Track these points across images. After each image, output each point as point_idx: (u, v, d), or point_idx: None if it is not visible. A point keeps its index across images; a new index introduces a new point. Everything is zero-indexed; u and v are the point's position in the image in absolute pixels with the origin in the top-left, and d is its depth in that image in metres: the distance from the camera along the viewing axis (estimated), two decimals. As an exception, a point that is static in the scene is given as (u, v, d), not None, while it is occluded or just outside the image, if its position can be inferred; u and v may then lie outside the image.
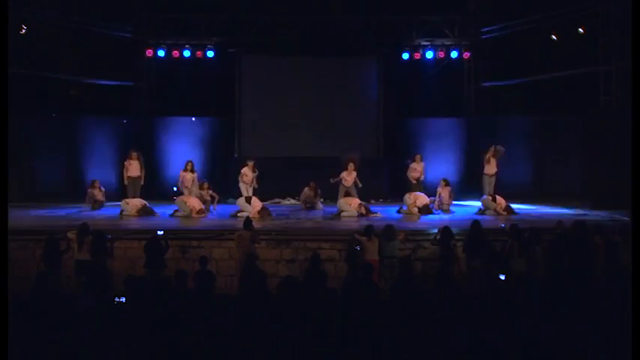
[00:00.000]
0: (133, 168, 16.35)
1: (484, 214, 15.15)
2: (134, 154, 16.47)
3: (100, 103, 19.26)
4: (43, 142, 17.91)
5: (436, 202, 15.97)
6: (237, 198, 15.99)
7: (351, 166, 16.41)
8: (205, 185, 16.04)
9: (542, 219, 14.21)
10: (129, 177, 16.31)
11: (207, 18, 19.35)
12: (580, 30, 17.47)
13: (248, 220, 11.46)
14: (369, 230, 10.89)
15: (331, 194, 16.89)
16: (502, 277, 8.04)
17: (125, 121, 19.47)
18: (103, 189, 16.33)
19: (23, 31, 17.09)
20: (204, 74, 19.39)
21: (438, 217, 14.96)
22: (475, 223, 11.15)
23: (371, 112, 19.83)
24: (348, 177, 16.28)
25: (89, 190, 16.19)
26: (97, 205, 15.99)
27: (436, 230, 11.58)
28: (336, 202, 15.90)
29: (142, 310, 6.57)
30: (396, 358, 5.65)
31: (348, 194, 16.05)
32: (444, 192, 16.13)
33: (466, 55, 19.76)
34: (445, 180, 16.33)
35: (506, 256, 10.38)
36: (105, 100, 19.34)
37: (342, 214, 15.03)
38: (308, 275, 9.12)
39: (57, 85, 18.71)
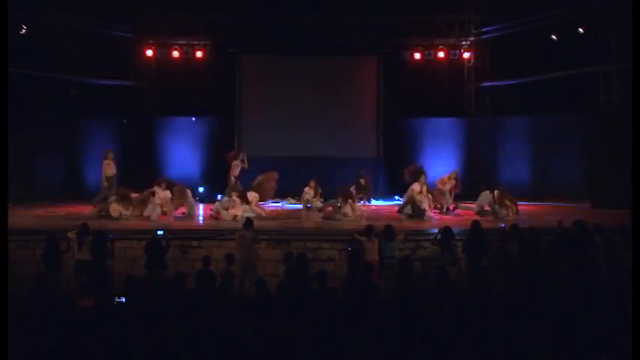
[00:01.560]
0: (110, 168, 16.01)
1: (485, 214, 14.97)
2: (110, 154, 16.07)
3: (100, 103, 19.25)
4: (43, 142, 17.90)
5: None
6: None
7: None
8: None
9: (543, 219, 14.20)
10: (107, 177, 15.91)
11: (207, 18, 19.35)
12: (580, 30, 17.46)
13: (249, 221, 11.44)
14: (369, 230, 10.89)
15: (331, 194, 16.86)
16: None
17: (125, 121, 19.48)
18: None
19: (23, 31, 17.08)
20: (204, 74, 19.39)
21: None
22: (475, 223, 11.15)
23: (371, 112, 19.83)
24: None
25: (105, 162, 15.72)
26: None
27: (436, 230, 11.58)
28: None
29: (142, 310, 6.57)
30: (395, 358, 5.65)
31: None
32: (449, 184, 15.85)
33: (466, 55, 19.77)
34: (455, 173, 16.19)
35: (506, 256, 10.39)
36: (105, 100, 19.34)
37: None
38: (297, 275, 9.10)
39: (57, 85, 18.69)
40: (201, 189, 18.13)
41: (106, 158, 15.91)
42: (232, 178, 16.18)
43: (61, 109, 18.71)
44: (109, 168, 15.83)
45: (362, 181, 16.24)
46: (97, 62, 18.86)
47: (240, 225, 11.64)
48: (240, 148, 16.84)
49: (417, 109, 19.66)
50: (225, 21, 19.37)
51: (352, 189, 15.41)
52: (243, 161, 16.40)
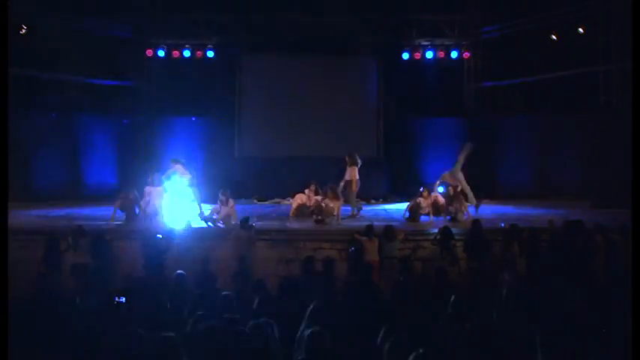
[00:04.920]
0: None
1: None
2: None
3: (100, 103, 19.26)
4: (43, 141, 17.89)
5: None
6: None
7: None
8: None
9: (543, 219, 14.17)
10: None
11: (207, 18, 19.36)
12: (580, 30, 17.47)
13: (245, 220, 11.44)
14: (369, 230, 10.89)
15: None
16: None
17: (125, 121, 19.47)
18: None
19: (23, 31, 17.09)
20: (204, 74, 19.39)
21: None
22: (475, 223, 11.16)
23: (371, 112, 19.82)
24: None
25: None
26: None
27: (436, 230, 11.59)
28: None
29: (142, 310, 6.56)
30: (395, 358, 5.64)
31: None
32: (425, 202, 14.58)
33: (466, 55, 19.78)
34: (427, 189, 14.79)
35: (505, 256, 10.40)
36: (105, 100, 19.34)
37: None
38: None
39: (57, 85, 18.70)
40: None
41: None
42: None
43: (61, 109, 18.72)
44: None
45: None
46: (97, 62, 18.85)
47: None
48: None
49: (417, 109, 19.65)
50: (225, 21, 19.37)
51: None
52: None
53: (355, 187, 15.08)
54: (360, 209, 15.43)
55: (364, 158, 19.37)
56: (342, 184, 14.89)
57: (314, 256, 10.01)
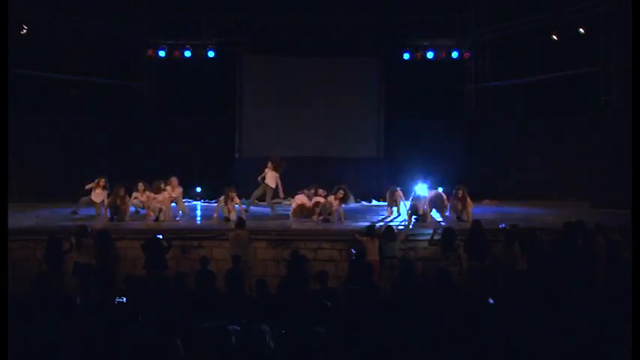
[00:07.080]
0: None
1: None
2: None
3: (100, 103, 19.25)
4: (43, 141, 17.88)
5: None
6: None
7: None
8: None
9: (543, 219, 14.18)
10: None
11: (207, 18, 19.36)
12: (580, 30, 17.48)
13: (242, 220, 11.44)
14: (370, 230, 10.90)
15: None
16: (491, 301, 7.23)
17: (125, 121, 19.46)
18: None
19: (23, 31, 17.09)
20: (204, 74, 19.38)
21: None
22: (476, 223, 11.15)
23: (371, 112, 19.81)
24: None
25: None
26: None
27: (431, 230, 11.57)
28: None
29: (142, 310, 6.57)
30: (396, 358, 5.65)
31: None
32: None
33: (466, 55, 19.77)
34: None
35: (507, 256, 10.40)
36: (105, 100, 19.34)
37: None
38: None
39: (57, 85, 18.69)
40: (198, 189, 18.15)
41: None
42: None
43: (61, 109, 18.70)
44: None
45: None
46: (97, 62, 18.86)
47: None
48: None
49: (417, 109, 19.62)
50: (225, 21, 19.37)
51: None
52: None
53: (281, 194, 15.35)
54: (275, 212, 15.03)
55: (364, 158, 19.48)
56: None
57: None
